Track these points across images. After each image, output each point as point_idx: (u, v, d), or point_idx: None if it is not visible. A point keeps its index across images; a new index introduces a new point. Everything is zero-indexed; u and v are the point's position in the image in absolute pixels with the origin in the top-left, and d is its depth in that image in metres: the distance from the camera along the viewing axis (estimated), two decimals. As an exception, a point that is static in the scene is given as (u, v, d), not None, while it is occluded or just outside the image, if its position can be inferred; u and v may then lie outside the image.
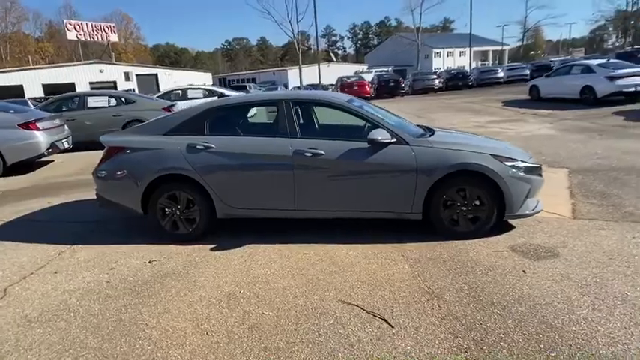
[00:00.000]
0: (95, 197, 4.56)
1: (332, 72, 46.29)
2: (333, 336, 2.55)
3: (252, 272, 3.50)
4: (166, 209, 4.22)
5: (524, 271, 3.22)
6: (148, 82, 39.93)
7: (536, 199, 4.08)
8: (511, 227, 4.10)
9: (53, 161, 9.56)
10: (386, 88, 21.63)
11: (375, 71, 65.16)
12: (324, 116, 4.58)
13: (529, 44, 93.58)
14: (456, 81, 26.27)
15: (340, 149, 3.95)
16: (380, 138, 3.85)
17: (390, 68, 60.64)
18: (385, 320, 2.69)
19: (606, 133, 8.75)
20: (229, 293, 3.16)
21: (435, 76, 25.71)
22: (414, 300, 2.92)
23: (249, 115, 4.71)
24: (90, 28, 38.70)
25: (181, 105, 12.02)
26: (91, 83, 35.66)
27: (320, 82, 34.20)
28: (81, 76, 35.84)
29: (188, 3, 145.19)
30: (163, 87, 35.85)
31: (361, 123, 4.20)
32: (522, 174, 3.87)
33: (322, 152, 3.93)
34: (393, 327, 2.61)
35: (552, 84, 14.82)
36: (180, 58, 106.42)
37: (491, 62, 66.52)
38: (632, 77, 12.29)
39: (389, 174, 3.90)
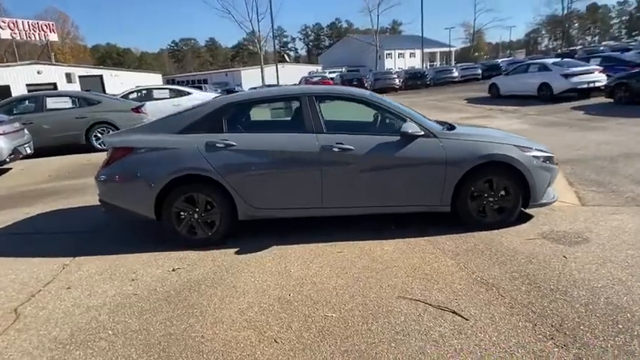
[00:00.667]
0: (83, 205, 4.17)
1: (287, 73, 46.08)
2: (413, 333, 2.46)
3: (293, 274, 3.33)
4: (182, 213, 3.93)
5: (565, 257, 3.29)
6: (93, 84, 37.51)
7: (552, 187, 4.22)
8: (530, 216, 4.20)
9: (11, 169, 8.72)
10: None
11: (330, 72, 65.69)
12: (341, 111, 4.46)
13: (471, 46, 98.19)
14: (414, 80, 27.01)
15: (369, 143, 3.86)
16: (411, 131, 3.80)
17: (343, 69, 61.37)
18: (456, 313, 2.63)
19: (575, 126, 9.28)
20: (279, 297, 2.98)
21: (396, 76, 26.27)
22: (473, 291, 2.89)
23: (269, 111, 4.51)
24: (26, 27, 35.90)
25: (149, 106, 11.44)
26: (28, 86, 32.95)
27: (278, 82, 33.93)
28: (17, 78, 33.16)
29: (129, 1, 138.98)
30: (110, 89, 34.04)
31: (385, 116, 4.14)
32: (544, 163, 3.97)
33: (351, 147, 3.82)
34: (467, 319, 2.56)
35: (511, 82, 15.57)
36: (124, 59, 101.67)
37: (439, 63, 69.04)
38: (584, 75, 13.16)
39: (419, 167, 3.86)
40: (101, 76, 40.13)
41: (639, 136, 7.57)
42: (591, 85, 13.03)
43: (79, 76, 37.95)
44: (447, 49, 71.05)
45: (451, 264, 3.33)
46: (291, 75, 40.45)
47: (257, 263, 3.57)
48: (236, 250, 3.87)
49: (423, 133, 3.86)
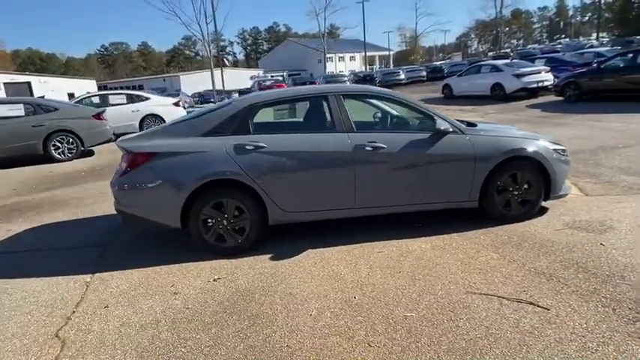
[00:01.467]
0: (74, 218, 3.81)
1: (228, 77, 45.27)
2: (504, 327, 2.47)
3: (345, 277, 3.24)
4: (209, 220, 3.70)
5: (602, 244, 3.47)
6: (20, 92, 34.59)
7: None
8: (545, 209, 4.39)
9: (-42, 183, 7.77)
10: (304, 91, 21.92)
11: (272, 76, 65.31)
12: (361, 110, 4.42)
13: (409, 49, 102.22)
14: (363, 83, 27.57)
15: (401, 141, 3.86)
16: (443, 127, 3.85)
17: (284, 73, 61.40)
18: (533, 304, 2.68)
19: (537, 123, 9.91)
20: (345, 301, 2.88)
21: (346, 79, 26.69)
22: (535, 282, 2.96)
23: (295, 111, 4.35)
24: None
25: (109, 111, 10.71)
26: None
27: (224, 86, 33.17)
28: None
29: (51, 2, 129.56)
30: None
31: (411, 114, 4.15)
32: (562, 156, 4.18)
33: (383, 145, 3.79)
34: (548, 309, 2.61)
35: (464, 83, 16.37)
36: (48, 65, 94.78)
37: (378, 66, 71.12)
38: (533, 75, 14.13)
39: (450, 163, 3.91)
40: (29, 83, 37.03)
41: (603, 130, 8.22)
42: (540, 84, 14.01)
43: (4, 83, 34.82)
44: (386, 53, 73.39)
45: (497, 257, 3.40)
46: (232, 79, 39.54)
47: (300, 268, 3.43)
48: (270, 256, 3.71)
49: (452, 129, 3.92)
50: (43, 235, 4.69)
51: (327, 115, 3.93)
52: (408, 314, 2.67)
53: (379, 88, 4.61)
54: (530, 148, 4.00)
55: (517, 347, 2.28)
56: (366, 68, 52.60)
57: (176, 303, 3.00)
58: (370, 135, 3.86)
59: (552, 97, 13.34)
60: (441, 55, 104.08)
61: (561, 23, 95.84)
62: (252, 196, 3.71)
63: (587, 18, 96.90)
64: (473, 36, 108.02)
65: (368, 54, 68.97)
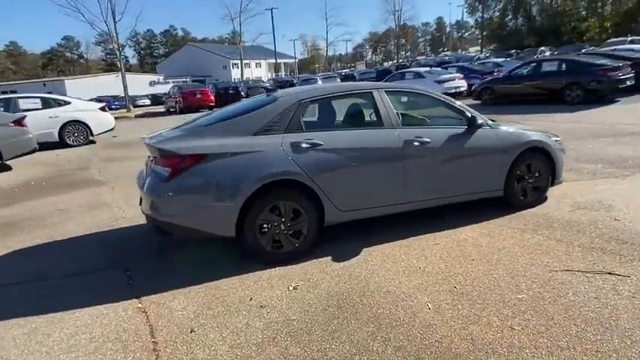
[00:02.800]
0: (59, 239, 3.33)
1: (121, 82, 41.94)
2: (608, 295, 2.70)
3: (426, 269, 3.26)
4: (264, 226, 3.44)
5: (616, 219, 3.97)
6: None
7: None
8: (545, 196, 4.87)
9: None
10: (226, 97, 21.12)
11: (173, 82, 62.02)
12: (397, 106, 4.46)
13: (308, 58, 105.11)
14: (284, 88, 27.69)
15: (442, 135, 4.00)
16: (480, 121, 4.09)
17: (187, 79, 58.86)
18: (612, 273, 2.98)
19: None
20: (450, 291, 2.91)
21: (268, 84, 26.49)
22: (595, 256, 3.27)
23: (341, 107, 4.20)
24: None
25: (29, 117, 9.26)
26: None
27: (126, 93, 30.70)
28: None
29: None
30: None
31: (445, 110, 4.29)
32: (560, 146, 4.70)
33: (429, 140, 3.91)
34: (628, 276, 2.93)
35: (389, 88, 17.34)
36: None
37: (283, 73, 71.91)
38: (451, 81, 15.55)
39: (483, 155, 4.16)
40: None
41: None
42: (457, 90, 15.47)
43: None
44: (290, 60, 74.47)
45: (543, 238, 3.70)
46: (129, 85, 36.60)
47: (373, 266, 3.37)
48: (329, 258, 3.57)
49: (483, 123, 4.18)
50: (37, 260, 3.91)
51: (374, 110, 3.92)
52: (519, 296, 2.79)
53: (414, 85, 4.71)
54: (542, 140, 4.43)
55: (637, 312, 2.53)
56: (272, 74, 52.64)
57: (273, 316, 2.74)
58: (415, 130, 3.94)
59: (470, 101, 14.78)
60: (339, 64, 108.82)
61: (443, 38, 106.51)
62: (309, 197, 3.54)
63: (461, 34, 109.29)
64: (367, 47, 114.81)
65: (274, 61, 69.35)
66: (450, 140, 4.01)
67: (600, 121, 9.43)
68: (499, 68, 17.16)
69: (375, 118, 3.92)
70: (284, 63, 74.89)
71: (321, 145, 3.55)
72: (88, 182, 7.38)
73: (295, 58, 72.23)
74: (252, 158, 3.37)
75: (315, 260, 3.53)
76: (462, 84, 15.56)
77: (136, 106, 36.59)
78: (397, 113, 3.96)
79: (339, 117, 4.13)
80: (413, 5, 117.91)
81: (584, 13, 33.50)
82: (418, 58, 64.74)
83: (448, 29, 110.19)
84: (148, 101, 43.22)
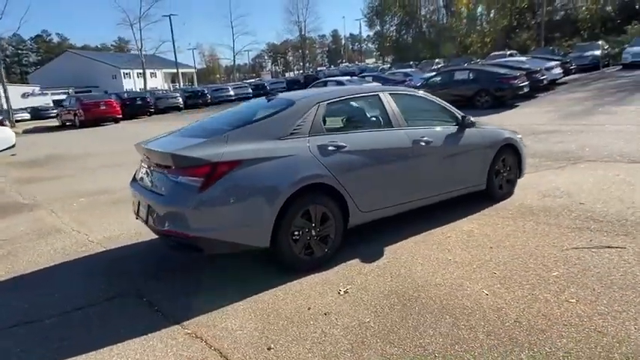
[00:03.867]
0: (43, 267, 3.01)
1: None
2: (620, 264, 3.11)
3: (457, 260, 3.45)
4: (296, 232, 3.34)
5: (581, 203, 4.58)
6: None
7: None
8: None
9: None
10: (133, 108, 19.57)
11: (53, 93, 55.68)
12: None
13: (206, 68, 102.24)
14: (195, 99, 26.60)
15: (440, 135, 4.26)
16: (465, 122, 4.41)
17: (70, 90, 53.48)
18: (611, 247, 3.45)
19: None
20: (504, 278, 3.09)
21: (178, 95, 25.12)
22: (586, 234, 3.74)
23: (353, 109, 4.15)
24: None
25: None
26: None
27: (9, 106, 26.96)
28: None
29: None
30: None
31: (438, 111, 4.54)
32: (523, 143, 5.28)
33: (431, 139, 4.13)
34: (624, 248, 3.41)
35: (311, 97, 17.68)
36: None
37: (182, 84, 68.95)
38: (371, 89, 16.35)
39: (472, 152, 4.51)
40: None
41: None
42: (377, 97, 16.33)
43: None
44: (190, 70, 71.78)
45: (535, 224, 4.09)
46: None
47: (407, 263, 3.47)
48: (358, 259, 3.59)
49: (471, 122, 4.53)
50: (19, 297, 3.27)
51: (383, 112, 4.03)
52: (554, 274, 3.09)
53: (413, 89, 4.89)
54: (512, 137, 4.95)
55: (626, 270, 2.97)
56: (168, 85, 50.11)
57: (346, 321, 2.68)
58: (419, 130, 4.14)
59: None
60: (237, 74, 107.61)
61: (341, 50, 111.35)
62: (335, 200, 3.52)
63: (355, 46, 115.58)
64: (266, 57, 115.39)
65: (171, 71, 66.13)
66: (446, 139, 4.29)
67: (513, 122, 10.68)
68: (409, 77, 18.56)
69: (385, 120, 4.03)
70: (182, 73, 71.84)
71: (345, 147, 3.56)
72: (14, 207, 6.35)
73: (195, 67, 69.74)
74: (284, 163, 3.26)
75: (344, 264, 3.51)
76: (380, 92, 16.48)
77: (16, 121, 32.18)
78: (402, 115, 4.11)
79: (353, 119, 4.17)
80: (317, 17, 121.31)
81: (464, 30, 37.78)
82: (319, 69, 66.91)
83: (343, 42, 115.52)
84: (27, 115, 38.24)
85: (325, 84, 17.49)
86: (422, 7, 41.56)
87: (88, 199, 6.51)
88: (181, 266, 3.72)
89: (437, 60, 30.14)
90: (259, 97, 20.55)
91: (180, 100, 24.74)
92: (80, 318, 2.97)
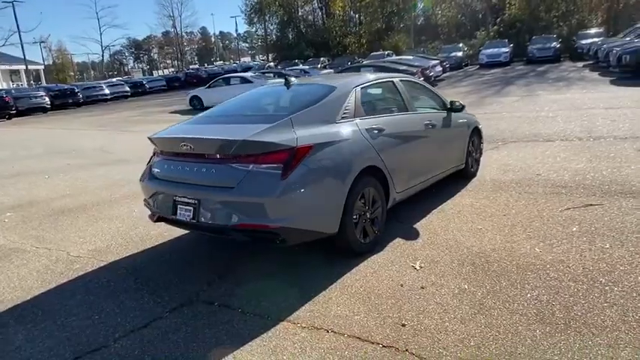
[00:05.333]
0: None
1: None
2: (605, 217, 3.80)
3: (487, 228, 3.83)
4: (354, 216, 3.36)
5: (538, 174, 5.38)
6: None
7: None
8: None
9: None
10: None
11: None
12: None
13: (56, 64, 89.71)
14: (64, 99, 23.09)
15: (439, 118, 4.63)
16: (452, 106, 4.85)
17: None
18: (591, 205, 4.19)
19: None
20: (538, 237, 3.54)
21: (44, 94, 21.41)
22: (561, 197, 4.46)
23: (376, 95, 4.14)
24: None
25: None
26: None
27: None
28: None
29: None
30: None
31: (430, 96, 4.88)
32: (479, 126, 5.98)
33: (435, 123, 4.48)
34: (602, 204, 4.18)
35: (216, 94, 16.91)
36: None
37: (26, 82, 59.33)
38: (277, 86, 16.37)
39: (458, 134, 4.99)
40: None
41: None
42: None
43: None
44: (37, 67, 62.17)
45: (515, 194, 4.70)
46: None
47: (449, 236, 3.73)
48: (401, 239, 3.74)
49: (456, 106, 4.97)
50: (64, 322, 2.63)
51: (400, 97, 4.21)
52: (572, 229, 3.65)
53: (412, 77, 5.10)
54: (477, 121, 5.59)
55: (622, 220, 3.72)
56: (14, 84, 42.77)
57: (447, 291, 2.83)
58: (426, 114, 4.45)
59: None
60: (92, 73, 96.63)
61: (215, 48, 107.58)
62: (383, 182, 3.61)
63: (226, 44, 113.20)
64: (127, 54, 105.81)
65: (11, 67, 56.47)
66: (443, 122, 4.68)
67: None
68: (307, 75, 19.08)
69: (402, 104, 4.22)
70: (24, 70, 61.86)
71: (384, 129, 3.67)
72: None
73: (43, 64, 60.69)
74: (346, 147, 3.24)
75: (391, 244, 3.63)
76: (285, 88, 16.61)
77: None
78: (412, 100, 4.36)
79: (380, 103, 4.24)
80: (193, 12, 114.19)
81: (339, 30, 39.88)
82: (192, 67, 63.82)
83: (213, 39, 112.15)
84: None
85: (228, 80, 16.94)
86: (299, 7, 42.67)
87: (18, 214, 5.38)
88: (225, 266, 3.42)
89: (322, 59, 31.44)
90: (141, 95, 19.47)
91: (47, 99, 21.29)
92: (156, 334, 2.56)
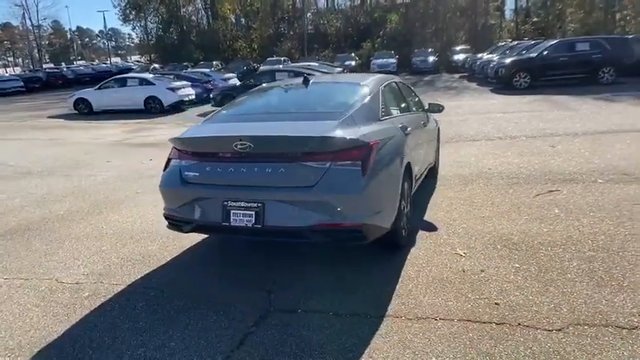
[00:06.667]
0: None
1: None
2: (573, 198, 4.58)
3: (496, 213, 4.27)
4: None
5: (489, 168, 6.12)
6: None
7: None
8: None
9: None
10: None
11: None
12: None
13: None
14: None
15: (425, 118, 4.98)
16: (428, 108, 5.24)
17: None
18: (552, 190, 4.92)
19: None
20: (540, 219, 4.05)
21: None
22: (526, 187, 5.14)
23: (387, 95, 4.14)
24: None
25: None
26: None
27: None
28: None
29: None
30: None
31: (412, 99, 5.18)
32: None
33: (425, 122, 4.83)
34: (560, 190, 4.93)
35: (107, 97, 15.21)
36: None
37: None
38: (183, 89, 15.43)
39: (433, 133, 5.40)
40: None
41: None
42: (190, 97, 15.58)
43: None
44: None
45: (482, 185, 5.30)
46: None
47: (460, 224, 4.06)
48: (422, 230, 3.95)
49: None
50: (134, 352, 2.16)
51: (403, 97, 4.42)
52: (555, 211, 4.26)
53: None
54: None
55: (607, 195, 4.51)
56: None
57: (505, 272, 3.11)
58: (420, 114, 4.75)
59: (209, 108, 15.25)
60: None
61: (74, 45, 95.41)
62: (410, 177, 3.77)
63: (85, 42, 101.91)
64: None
65: None
66: (427, 121, 5.04)
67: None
68: (210, 78, 18.41)
69: (407, 104, 4.45)
70: None
71: (408, 128, 3.84)
72: None
73: None
74: (394, 144, 3.36)
75: (418, 237, 3.82)
76: (191, 92, 15.69)
77: None
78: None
79: (394, 103, 4.33)
80: (54, 3, 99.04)
81: (228, 34, 38.80)
82: (45, 66, 55.62)
83: (69, 36, 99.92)
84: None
85: (124, 82, 15.36)
86: (181, 6, 40.37)
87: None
88: (266, 272, 3.21)
89: (215, 62, 30.24)
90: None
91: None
92: (264, 349, 2.32)
